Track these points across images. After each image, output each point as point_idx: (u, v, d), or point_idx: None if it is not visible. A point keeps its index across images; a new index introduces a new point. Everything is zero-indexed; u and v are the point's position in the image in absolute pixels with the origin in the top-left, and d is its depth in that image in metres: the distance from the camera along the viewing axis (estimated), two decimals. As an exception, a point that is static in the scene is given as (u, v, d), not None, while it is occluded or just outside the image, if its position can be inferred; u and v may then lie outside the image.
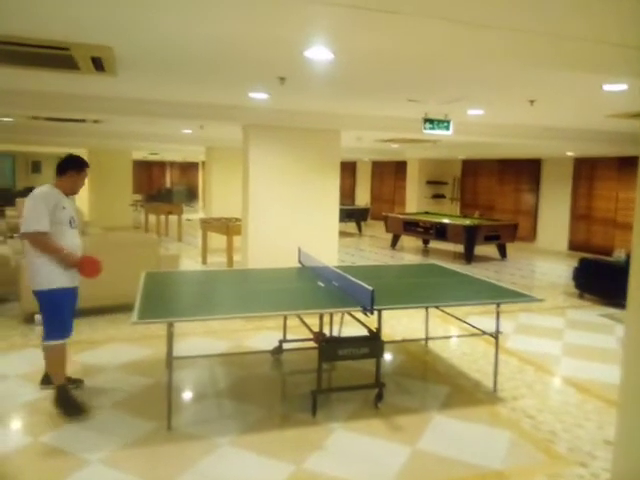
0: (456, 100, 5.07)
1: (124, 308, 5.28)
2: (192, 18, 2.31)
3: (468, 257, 10.06)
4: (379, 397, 3.76)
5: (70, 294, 3.63)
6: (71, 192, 3.68)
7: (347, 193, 17.98)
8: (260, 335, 5.26)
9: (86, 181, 3.81)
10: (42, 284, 3.49)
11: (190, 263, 9.11)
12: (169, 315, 3.38)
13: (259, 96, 5.13)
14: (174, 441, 3.22)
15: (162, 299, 3.85)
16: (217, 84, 4.63)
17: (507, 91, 4.62)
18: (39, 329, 3.67)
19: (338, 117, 6.39)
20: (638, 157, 2.62)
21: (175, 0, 2.21)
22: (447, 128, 6.00)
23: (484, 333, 4.46)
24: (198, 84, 4.67)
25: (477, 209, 13.79)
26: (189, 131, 9.34)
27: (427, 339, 5.12)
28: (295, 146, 6.31)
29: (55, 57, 3.48)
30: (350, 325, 4.10)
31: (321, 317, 3.76)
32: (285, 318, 4.73)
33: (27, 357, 4.48)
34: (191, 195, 23.88)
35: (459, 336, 5.45)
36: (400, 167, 15.97)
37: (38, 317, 4.91)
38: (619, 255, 7.41)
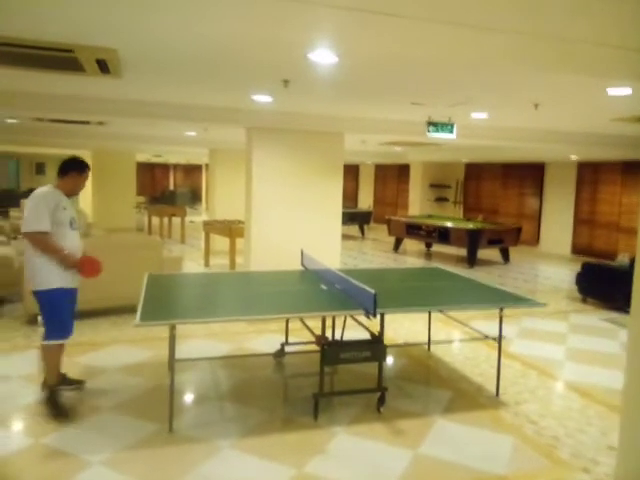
0: (460, 103, 5.07)
1: (127, 310, 5.29)
2: (196, 20, 2.32)
3: (471, 261, 10.04)
4: (381, 401, 3.75)
5: (69, 295, 3.64)
6: (72, 193, 3.70)
7: (350, 196, 17.98)
8: (262, 338, 5.26)
9: (89, 183, 3.84)
10: (41, 284, 3.50)
11: (193, 265, 9.12)
12: (171, 317, 3.39)
13: (263, 99, 5.14)
14: (175, 443, 3.22)
15: (164, 301, 3.85)
16: (221, 86, 4.64)
17: (511, 94, 4.62)
18: (42, 330, 3.67)
19: (342, 120, 6.40)
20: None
21: (179, 2, 2.22)
22: (451, 131, 6.00)
23: (487, 337, 4.44)
24: (202, 86, 4.68)
25: (480, 213, 13.77)
26: (193, 133, 9.36)
27: (430, 343, 5.10)
28: (298, 149, 6.32)
29: (60, 59, 3.50)
30: (352, 328, 4.09)
31: (323, 320, 3.76)
32: (287, 321, 4.72)
33: (30, 358, 4.48)
34: (194, 197, 23.93)
35: (462, 340, 5.43)
36: (403, 170, 15.95)
37: (41, 318, 4.92)
38: (622, 259, 7.38)
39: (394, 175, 17.13)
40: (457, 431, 3.51)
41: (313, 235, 6.33)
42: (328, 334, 3.77)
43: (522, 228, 10.91)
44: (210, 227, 9.27)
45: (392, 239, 12.15)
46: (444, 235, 10.53)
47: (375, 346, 3.65)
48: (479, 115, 6.02)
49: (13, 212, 11.70)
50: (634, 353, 2.65)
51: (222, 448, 3.19)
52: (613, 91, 4.06)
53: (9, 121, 7.82)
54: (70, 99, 5.38)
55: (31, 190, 3.64)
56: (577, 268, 7.72)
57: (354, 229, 14.42)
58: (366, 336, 3.77)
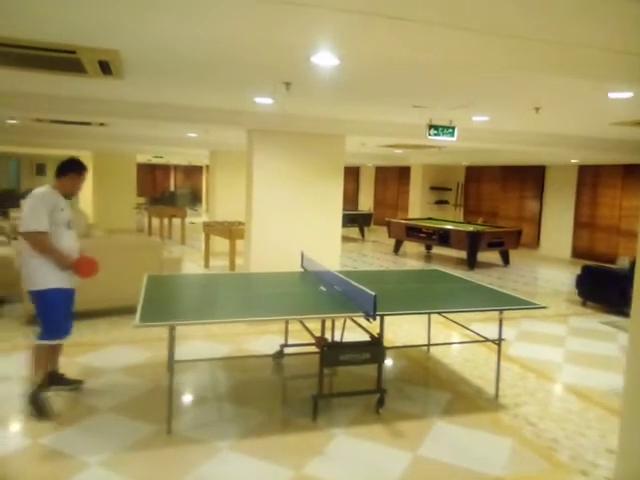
0: (461, 106, 5.07)
1: (126, 311, 5.28)
2: (198, 22, 2.32)
3: (471, 263, 10.04)
4: (380, 403, 3.75)
5: (65, 295, 3.64)
6: (69, 194, 3.72)
7: (350, 198, 17.99)
8: (262, 339, 5.26)
9: (90, 184, 3.86)
10: (37, 284, 3.51)
11: (193, 266, 9.12)
12: (171, 318, 3.39)
13: (264, 101, 5.15)
14: (174, 445, 3.22)
15: (164, 302, 3.85)
16: (222, 88, 4.65)
17: (512, 98, 4.62)
18: (36, 330, 3.67)
19: (343, 122, 6.40)
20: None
21: (181, 4, 2.22)
22: (452, 134, 6.01)
23: (486, 340, 4.44)
24: (203, 88, 4.69)
25: (481, 215, 13.78)
26: (194, 135, 9.37)
27: (429, 345, 5.10)
28: (299, 151, 6.33)
29: (62, 60, 3.51)
30: (352, 330, 4.09)
31: (323, 322, 3.76)
32: (287, 322, 4.73)
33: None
34: (195, 198, 23.95)
35: (461, 342, 5.43)
36: (403, 173, 15.97)
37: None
38: (623, 263, 7.39)
39: (394, 177, 17.14)
40: (456, 433, 3.51)
41: (313, 237, 6.33)
42: (327, 336, 3.77)
43: (522, 231, 10.91)
44: (210, 228, 9.27)
45: (392, 241, 12.15)
46: (444, 237, 10.53)
47: (374, 348, 3.65)
48: (480, 118, 6.02)
49: (13, 212, 11.71)
50: (634, 356, 2.66)
51: (221, 449, 3.19)
52: (614, 95, 4.06)
53: (9, 122, 7.83)
54: (72, 100, 5.39)
55: (31, 191, 3.65)
56: (577, 271, 7.73)
57: (354, 231, 14.43)
58: (365, 338, 3.78)
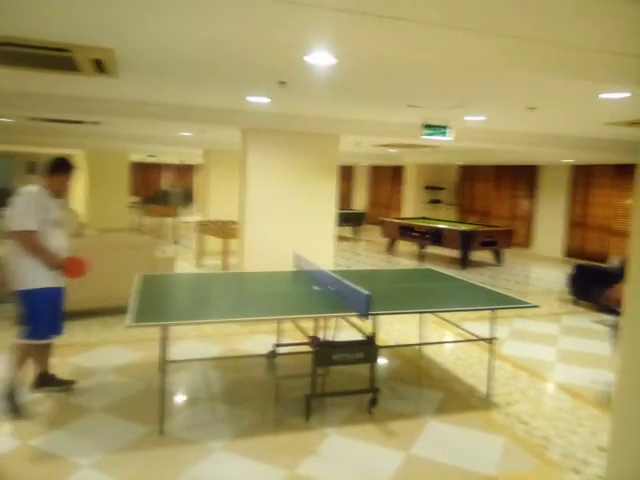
0: (456, 106, 5.09)
1: (118, 310, 5.25)
2: (193, 21, 2.31)
3: (464, 262, 10.08)
4: (373, 402, 3.75)
5: (53, 294, 3.62)
6: (58, 193, 3.70)
7: (344, 197, 17.98)
8: (254, 339, 5.25)
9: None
10: (25, 284, 3.50)
11: (186, 265, 9.09)
12: (163, 318, 3.37)
13: (259, 100, 5.13)
14: (166, 445, 3.21)
15: (156, 302, 3.83)
16: (217, 88, 4.63)
17: (507, 98, 4.64)
18: (21, 329, 3.64)
19: (337, 122, 6.40)
20: (634, 165, 2.63)
21: (176, 2, 2.21)
22: (446, 134, 6.02)
23: (479, 339, 4.46)
24: (198, 87, 4.67)
25: (474, 215, 13.83)
26: (188, 134, 9.34)
27: (421, 344, 5.11)
28: (294, 150, 6.32)
29: (56, 59, 3.48)
30: (345, 329, 4.09)
31: (316, 321, 3.76)
32: (280, 322, 4.72)
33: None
34: (187, 197, 23.85)
35: (454, 341, 5.44)
36: (397, 172, 15.99)
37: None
38: (613, 262, 7.44)
39: (388, 177, 17.16)
40: (448, 432, 3.52)
41: (307, 236, 6.33)
42: (321, 335, 3.77)
43: (515, 230, 10.96)
44: (203, 228, 9.24)
45: (385, 240, 12.17)
46: (437, 237, 10.56)
47: (367, 347, 3.65)
48: (475, 118, 6.04)
49: (5, 211, 11.62)
50: (625, 355, 2.67)
51: (214, 450, 3.18)
52: (608, 95, 4.09)
53: (2, 120, 7.77)
54: (65, 99, 5.35)
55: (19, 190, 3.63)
56: (569, 270, 7.78)
57: (348, 230, 14.43)
58: (358, 337, 3.78)
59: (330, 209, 6.60)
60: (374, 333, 3.68)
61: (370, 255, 11.63)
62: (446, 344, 5.44)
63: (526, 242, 12.81)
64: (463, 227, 10.58)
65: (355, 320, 3.65)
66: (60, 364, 4.24)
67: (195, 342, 5.12)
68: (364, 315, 3.36)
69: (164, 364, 3.33)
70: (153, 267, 5.96)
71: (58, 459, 3.02)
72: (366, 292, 3.36)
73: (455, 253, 10.79)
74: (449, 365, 4.78)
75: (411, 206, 14.55)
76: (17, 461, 3.01)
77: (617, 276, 3.74)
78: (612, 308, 4.51)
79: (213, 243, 9.39)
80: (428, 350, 5.12)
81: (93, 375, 4.24)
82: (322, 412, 3.71)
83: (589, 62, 2.65)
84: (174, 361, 3.78)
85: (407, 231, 11.34)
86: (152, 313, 3.48)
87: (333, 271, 4.65)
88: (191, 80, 4.32)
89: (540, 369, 4.80)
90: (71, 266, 3.61)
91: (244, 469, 3.01)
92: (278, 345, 4.68)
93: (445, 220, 12.32)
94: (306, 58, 3.12)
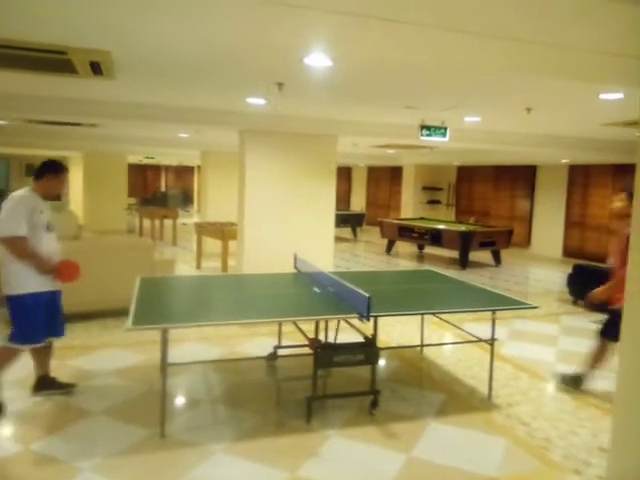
0: (454, 107, 5.09)
1: (119, 313, 5.25)
2: (190, 23, 2.31)
3: (463, 263, 10.09)
4: (374, 404, 3.75)
5: (45, 299, 3.58)
6: (49, 196, 3.67)
7: (342, 198, 18.00)
8: (255, 341, 5.24)
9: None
10: (15, 288, 3.47)
11: (185, 268, 9.08)
12: (163, 321, 3.36)
13: (257, 101, 5.13)
14: (167, 448, 3.20)
15: (156, 305, 3.82)
16: (215, 89, 4.63)
17: (505, 99, 4.65)
18: (8, 332, 3.62)
19: (335, 123, 6.40)
20: (633, 165, 2.63)
21: (173, 5, 2.21)
22: (444, 135, 6.03)
23: (479, 340, 4.46)
24: (195, 89, 4.67)
25: (472, 215, 13.84)
26: (185, 135, 9.33)
27: (422, 346, 5.11)
28: (291, 151, 6.32)
29: (53, 61, 3.48)
30: (345, 331, 4.09)
31: (316, 323, 3.75)
32: (280, 324, 4.71)
33: (19, 363, 4.42)
34: (186, 199, 23.83)
35: (454, 343, 5.44)
36: (396, 173, 16.00)
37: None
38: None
39: (387, 177, 17.17)
40: (450, 434, 3.52)
41: (306, 237, 6.33)
42: (321, 337, 3.76)
43: (514, 230, 10.97)
44: (202, 229, 9.23)
45: (385, 241, 12.17)
46: (436, 237, 10.56)
47: (368, 349, 3.65)
48: (472, 119, 6.05)
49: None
50: (625, 355, 2.68)
51: (215, 452, 3.17)
52: (605, 96, 4.10)
53: (-1, 122, 7.76)
54: (62, 101, 5.35)
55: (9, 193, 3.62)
56: (568, 270, 7.78)
57: (347, 231, 14.43)
58: (359, 339, 3.77)
59: (329, 210, 6.60)
60: (375, 335, 3.68)
61: (369, 256, 11.63)
62: (447, 345, 5.43)
63: (525, 242, 12.83)
64: (462, 228, 10.59)
65: (355, 322, 3.65)
66: (60, 367, 4.23)
67: (195, 344, 5.11)
68: (365, 317, 3.36)
69: (165, 367, 3.32)
70: (152, 269, 5.95)
71: (59, 463, 3.01)
72: (367, 294, 3.35)
73: (454, 254, 10.79)
74: (450, 366, 4.78)
75: (410, 207, 14.56)
76: (18, 465, 3.00)
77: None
78: (599, 308, 4.52)
79: (212, 245, 9.38)
80: (429, 352, 5.12)
81: (94, 378, 4.23)
82: (323, 414, 3.70)
83: (589, 64, 2.66)
84: (175, 364, 3.77)
85: (406, 232, 11.34)
86: (152, 316, 3.47)
87: (333, 272, 4.65)
88: (188, 82, 4.31)
89: (540, 370, 4.81)
90: (64, 270, 3.57)
91: (245, 471, 3.00)
92: (278, 347, 4.67)
93: (444, 220, 12.33)
94: (304, 60, 3.12)
